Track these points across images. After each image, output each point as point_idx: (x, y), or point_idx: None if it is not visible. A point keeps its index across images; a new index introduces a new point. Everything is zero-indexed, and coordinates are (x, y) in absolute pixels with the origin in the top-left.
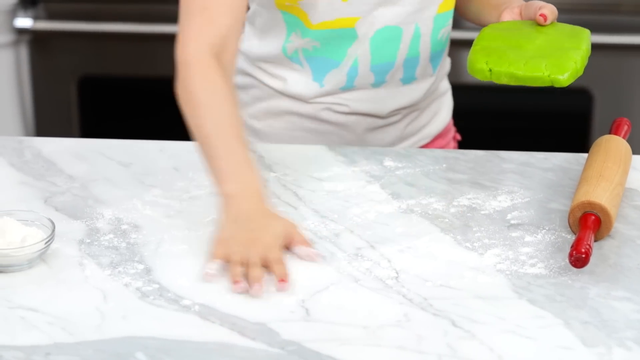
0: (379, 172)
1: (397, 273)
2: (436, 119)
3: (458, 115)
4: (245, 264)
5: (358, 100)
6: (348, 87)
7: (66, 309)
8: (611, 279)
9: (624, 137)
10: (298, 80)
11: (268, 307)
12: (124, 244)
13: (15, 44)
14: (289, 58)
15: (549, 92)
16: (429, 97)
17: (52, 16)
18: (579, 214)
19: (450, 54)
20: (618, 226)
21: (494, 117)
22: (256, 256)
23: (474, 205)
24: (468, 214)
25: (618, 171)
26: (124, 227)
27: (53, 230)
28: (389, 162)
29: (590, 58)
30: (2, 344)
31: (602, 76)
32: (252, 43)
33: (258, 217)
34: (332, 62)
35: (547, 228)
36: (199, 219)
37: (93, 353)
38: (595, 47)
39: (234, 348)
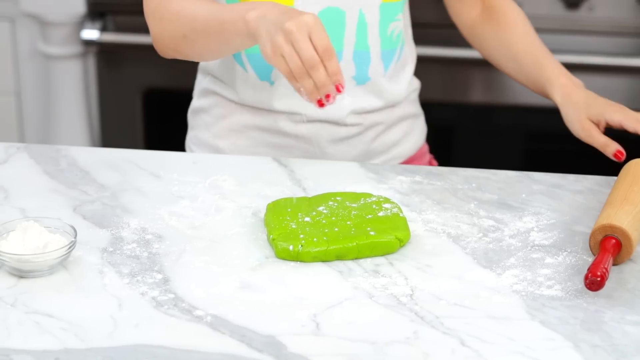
0: (407, 189)
1: (412, 290)
2: (408, 140)
3: (486, 134)
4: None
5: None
6: None
7: (81, 315)
8: (628, 303)
9: None
10: (246, 83)
11: (280, 320)
12: (145, 254)
13: (83, 55)
14: (234, 57)
15: None
16: (390, 110)
17: (119, 29)
18: (599, 237)
19: (472, 73)
20: None
21: (524, 139)
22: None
23: (498, 226)
24: (491, 234)
25: None
26: (148, 237)
27: (75, 238)
28: (419, 180)
29: (618, 80)
30: (13, 348)
31: (634, 98)
32: None
33: (286, 8)
34: None
35: (569, 250)
36: (222, 231)
37: None
38: (624, 70)
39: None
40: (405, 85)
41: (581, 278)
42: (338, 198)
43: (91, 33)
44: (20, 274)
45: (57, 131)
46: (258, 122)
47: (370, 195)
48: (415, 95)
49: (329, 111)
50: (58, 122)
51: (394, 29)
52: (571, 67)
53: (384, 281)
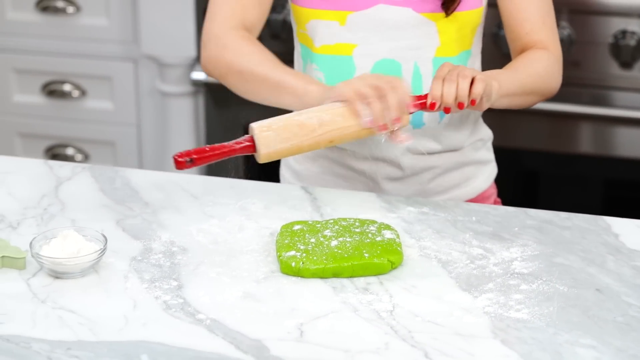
0: (413, 219)
1: (393, 307)
2: (469, 184)
3: (569, 181)
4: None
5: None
6: None
7: (99, 312)
8: (585, 328)
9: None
10: None
11: (270, 326)
12: (168, 263)
13: (194, 94)
14: None
15: None
16: (449, 155)
17: None
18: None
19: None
20: (610, 282)
21: (605, 186)
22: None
23: (486, 254)
24: (477, 261)
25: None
26: (174, 249)
27: (105, 245)
28: (425, 211)
29: None
30: (34, 337)
31: None
32: None
33: None
34: None
35: (544, 279)
36: (240, 247)
37: (106, 352)
38: None
39: (226, 359)
40: (466, 133)
41: (548, 304)
42: (343, 223)
43: (200, 74)
44: (56, 275)
45: (170, 160)
46: (329, 154)
47: (374, 222)
48: (482, 144)
49: (385, 150)
50: (171, 152)
51: None
52: (626, 121)
53: (370, 298)
